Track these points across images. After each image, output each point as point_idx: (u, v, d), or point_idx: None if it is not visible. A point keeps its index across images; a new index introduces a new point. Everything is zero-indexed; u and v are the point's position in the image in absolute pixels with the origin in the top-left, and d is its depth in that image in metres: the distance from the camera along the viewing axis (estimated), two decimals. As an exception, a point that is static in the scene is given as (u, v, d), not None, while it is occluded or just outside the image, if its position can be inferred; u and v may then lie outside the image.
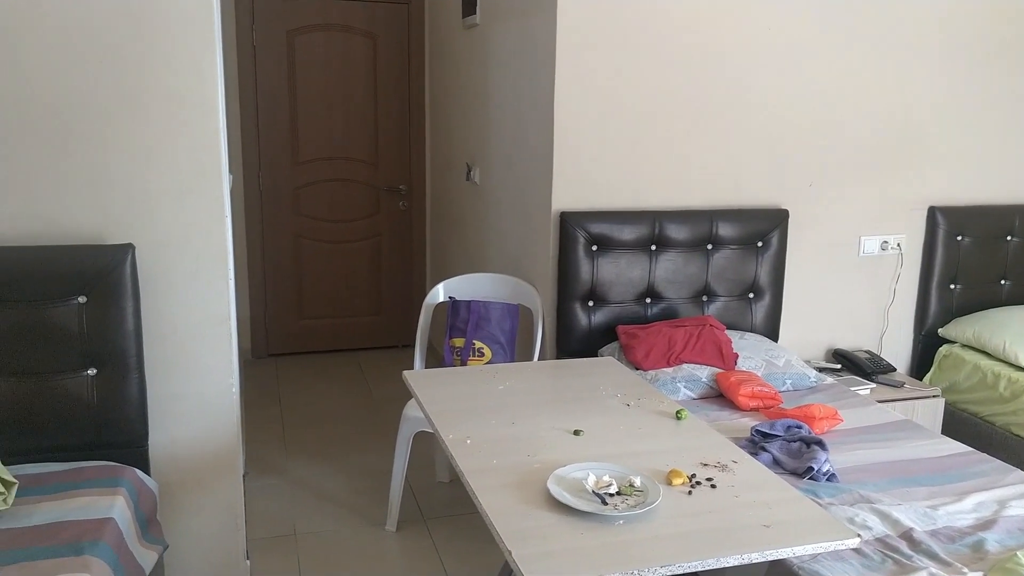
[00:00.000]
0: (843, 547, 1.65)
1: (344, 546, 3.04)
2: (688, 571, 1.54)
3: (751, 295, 3.45)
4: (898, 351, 3.85)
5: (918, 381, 3.56)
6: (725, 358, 3.01)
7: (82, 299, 2.28)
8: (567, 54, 3.10)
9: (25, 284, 2.23)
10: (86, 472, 2.22)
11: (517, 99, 3.54)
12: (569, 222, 3.15)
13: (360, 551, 3.01)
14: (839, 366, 3.57)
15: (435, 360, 4.66)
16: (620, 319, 3.27)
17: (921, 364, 3.83)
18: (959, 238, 3.73)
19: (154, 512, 2.32)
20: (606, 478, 1.78)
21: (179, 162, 2.41)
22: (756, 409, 2.79)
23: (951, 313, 3.79)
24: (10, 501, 1.96)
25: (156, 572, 2.23)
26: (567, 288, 3.20)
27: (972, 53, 3.63)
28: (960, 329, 3.61)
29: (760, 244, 3.41)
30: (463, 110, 4.39)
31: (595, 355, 3.23)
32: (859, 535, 1.66)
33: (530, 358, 3.27)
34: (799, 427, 2.49)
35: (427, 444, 3.77)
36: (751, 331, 3.45)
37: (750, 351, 3.12)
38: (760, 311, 3.46)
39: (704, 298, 3.39)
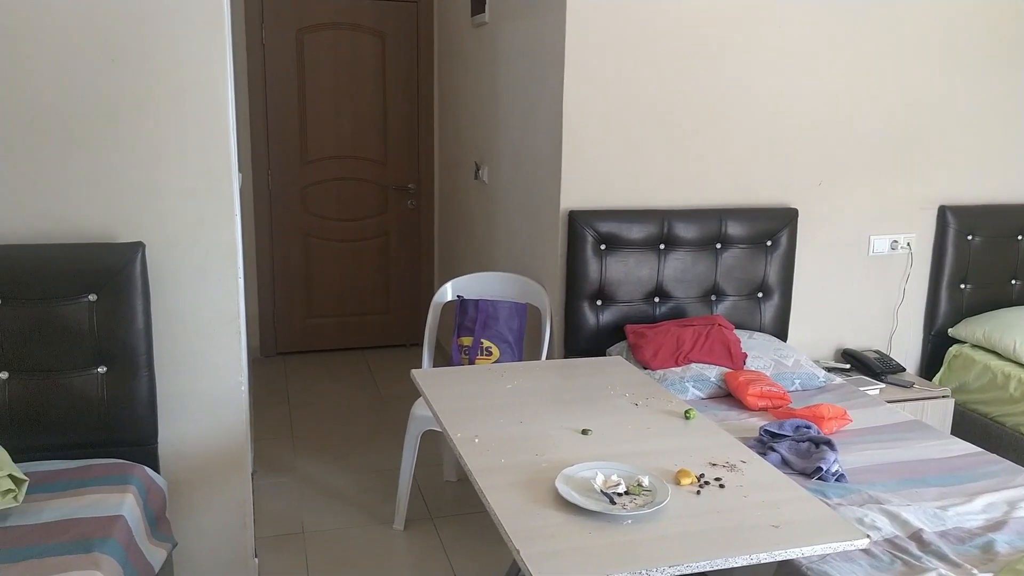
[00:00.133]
0: (852, 548, 1.64)
1: (352, 544, 3.05)
2: (696, 571, 1.54)
3: (760, 294, 3.44)
4: (908, 351, 3.84)
5: (928, 381, 3.54)
6: (734, 358, 3.00)
7: (92, 297, 2.28)
8: (576, 53, 3.10)
9: (36, 282, 2.24)
10: (96, 469, 2.23)
11: (526, 98, 3.54)
12: (577, 221, 3.15)
13: (368, 549, 3.02)
14: (848, 366, 3.56)
15: (443, 359, 4.67)
16: (628, 318, 3.26)
17: (931, 364, 3.81)
18: (969, 238, 3.72)
19: (163, 510, 2.32)
20: (614, 477, 1.78)
21: (189, 161, 2.42)
22: (765, 409, 2.78)
23: (961, 313, 3.77)
24: (20, 498, 1.97)
25: (165, 570, 2.24)
26: (575, 287, 3.20)
27: (983, 52, 3.61)
28: (970, 329, 3.59)
29: (769, 243, 3.40)
30: (472, 109, 4.39)
31: (603, 354, 3.22)
32: (868, 536, 1.66)
33: (538, 357, 3.27)
34: (808, 427, 2.49)
35: (435, 443, 3.77)
36: (760, 331, 3.44)
37: (759, 351, 3.11)
38: (769, 310, 3.45)
39: (713, 297, 3.38)
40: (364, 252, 5.23)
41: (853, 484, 2.28)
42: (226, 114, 2.42)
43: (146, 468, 2.31)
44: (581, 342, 3.24)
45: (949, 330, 3.72)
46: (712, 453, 2.00)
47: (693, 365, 2.96)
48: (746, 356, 3.04)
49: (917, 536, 2.01)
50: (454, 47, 4.71)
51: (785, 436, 2.45)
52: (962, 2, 3.53)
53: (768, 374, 2.97)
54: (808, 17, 3.34)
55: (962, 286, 3.76)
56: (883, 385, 3.37)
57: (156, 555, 2.14)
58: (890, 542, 1.98)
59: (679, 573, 1.53)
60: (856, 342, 3.74)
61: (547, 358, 3.22)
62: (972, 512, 2.14)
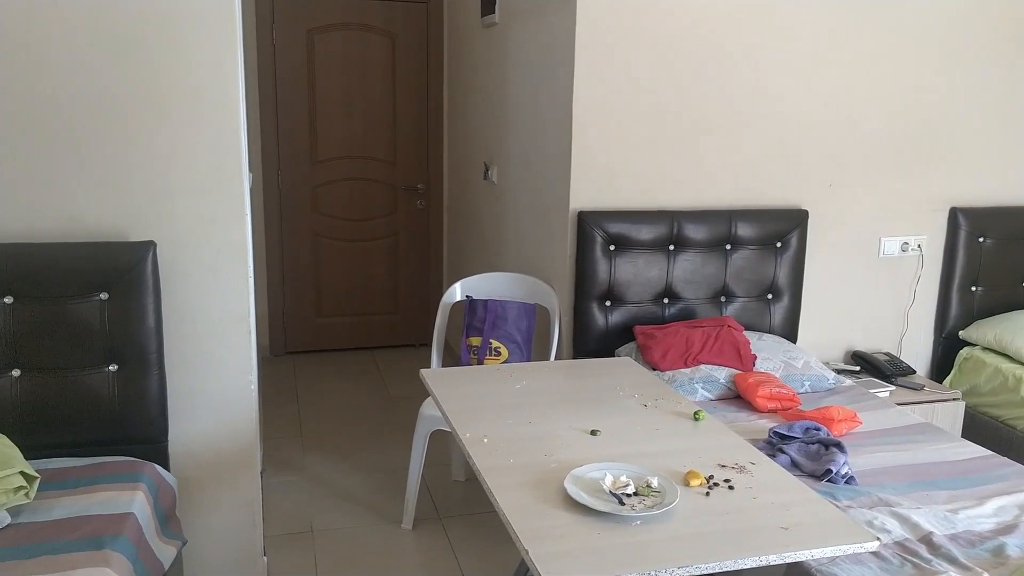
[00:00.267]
0: (862, 550, 1.64)
1: (360, 543, 3.05)
2: (705, 572, 1.54)
3: (770, 296, 3.43)
4: (918, 353, 3.82)
5: (938, 384, 3.53)
6: (743, 359, 3.00)
7: (104, 295, 2.30)
8: (586, 53, 3.10)
9: (47, 280, 2.25)
10: (106, 467, 2.24)
11: (535, 98, 3.54)
12: (587, 221, 3.15)
13: (376, 549, 3.02)
14: (858, 368, 3.54)
15: (452, 359, 4.67)
16: (637, 319, 3.26)
17: (941, 367, 3.80)
18: (981, 239, 3.70)
19: (173, 508, 2.33)
20: (623, 478, 1.78)
21: (200, 160, 2.43)
22: (774, 411, 2.78)
23: (972, 315, 3.75)
24: (32, 495, 1.98)
25: (175, 567, 2.25)
26: (584, 288, 3.20)
27: (994, 52, 3.60)
28: (981, 332, 3.57)
29: (779, 244, 3.39)
30: (481, 109, 4.39)
31: (612, 355, 3.22)
32: (878, 538, 1.65)
33: (547, 358, 3.27)
34: (817, 429, 2.48)
35: (443, 442, 3.77)
36: (769, 332, 3.43)
37: (768, 352, 3.11)
38: (779, 312, 3.44)
39: (722, 299, 3.37)
40: (373, 252, 5.24)
41: (863, 486, 2.27)
42: (237, 114, 2.43)
43: (156, 466, 2.32)
44: (590, 343, 3.24)
45: (960, 332, 3.70)
46: (721, 454, 2.00)
47: (702, 366, 2.96)
48: (755, 358, 3.03)
49: (927, 539, 2.00)
50: (464, 48, 4.72)
51: (795, 438, 2.44)
52: (973, 2, 3.51)
53: (778, 376, 2.97)
54: (819, 18, 3.33)
55: (973, 288, 3.74)
56: (893, 387, 3.36)
57: (166, 552, 2.15)
58: (900, 545, 1.98)
59: (688, 574, 1.53)
60: (866, 344, 3.73)
61: (556, 359, 3.22)
62: (983, 515, 2.13)
